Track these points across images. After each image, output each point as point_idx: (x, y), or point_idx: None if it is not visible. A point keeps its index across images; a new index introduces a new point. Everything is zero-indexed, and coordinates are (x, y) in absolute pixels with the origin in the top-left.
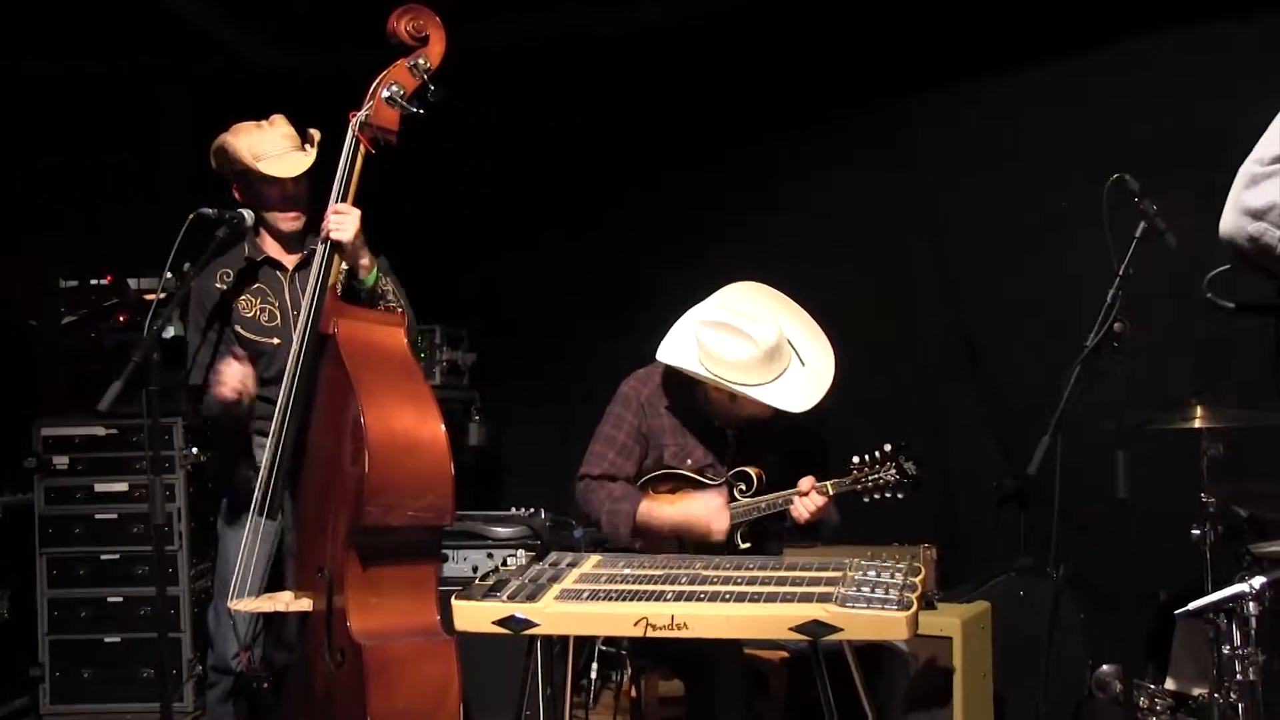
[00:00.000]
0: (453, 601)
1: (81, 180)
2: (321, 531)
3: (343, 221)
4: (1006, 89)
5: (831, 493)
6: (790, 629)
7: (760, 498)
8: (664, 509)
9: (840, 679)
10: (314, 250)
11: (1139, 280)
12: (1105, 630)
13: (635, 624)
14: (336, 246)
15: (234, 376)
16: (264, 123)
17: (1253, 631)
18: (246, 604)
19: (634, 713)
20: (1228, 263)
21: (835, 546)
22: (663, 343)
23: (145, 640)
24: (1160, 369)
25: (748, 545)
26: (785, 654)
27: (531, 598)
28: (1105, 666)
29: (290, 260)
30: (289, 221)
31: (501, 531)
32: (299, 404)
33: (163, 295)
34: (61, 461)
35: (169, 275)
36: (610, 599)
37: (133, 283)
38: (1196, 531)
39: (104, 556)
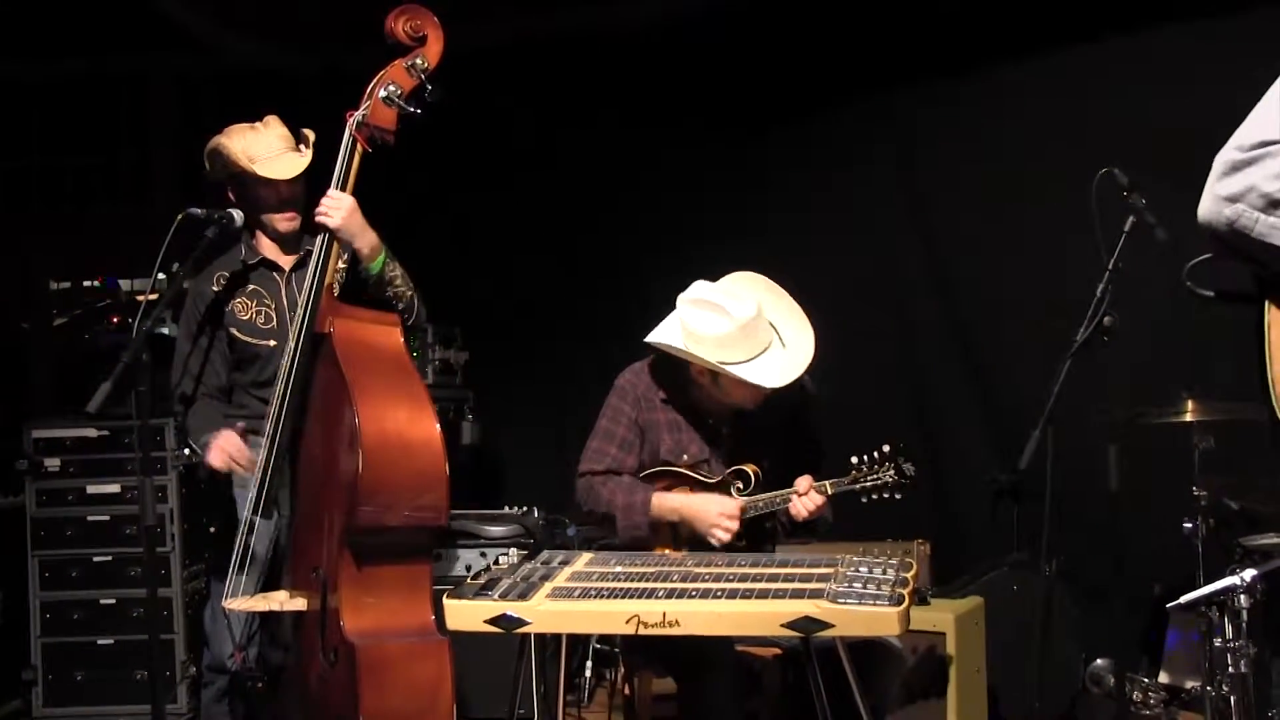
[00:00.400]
0: (444, 600)
1: (71, 181)
2: (317, 531)
3: (332, 206)
4: (1000, 84)
5: (830, 492)
6: (782, 625)
7: (757, 496)
8: (673, 498)
9: (834, 675)
10: (310, 251)
11: (1129, 274)
12: (1099, 624)
13: (627, 622)
14: (331, 238)
15: (231, 448)
16: (258, 124)
17: (1244, 624)
18: (241, 603)
19: (628, 711)
20: (1208, 251)
21: (829, 543)
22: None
23: (138, 642)
24: (1151, 363)
25: (742, 543)
26: (778, 651)
27: (523, 596)
28: (1099, 660)
29: (287, 262)
30: (286, 223)
31: (495, 530)
32: (294, 404)
33: (154, 296)
34: (53, 463)
35: (161, 276)
36: (602, 597)
37: (124, 284)
38: (1188, 525)
39: (96, 558)
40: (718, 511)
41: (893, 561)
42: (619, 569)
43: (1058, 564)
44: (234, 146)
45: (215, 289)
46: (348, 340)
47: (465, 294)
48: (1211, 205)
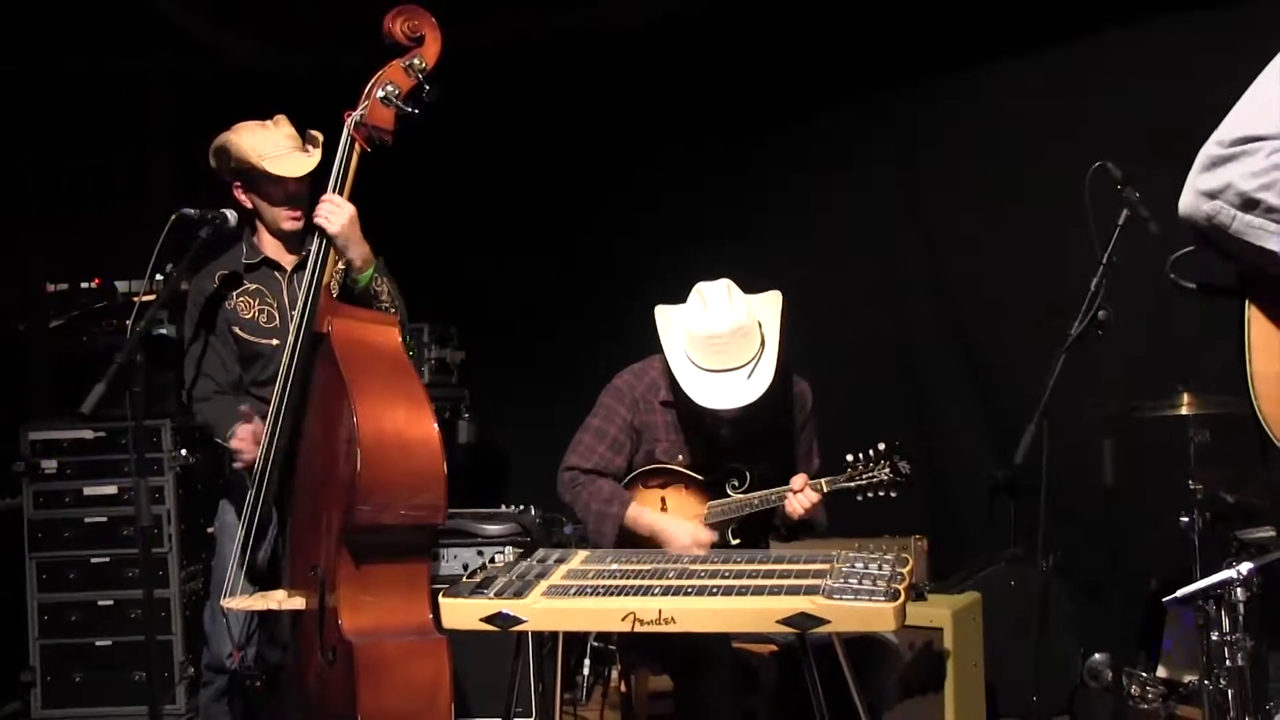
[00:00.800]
0: (440, 599)
1: (68, 182)
2: (315, 530)
3: (332, 211)
4: (1000, 83)
5: (825, 490)
6: (777, 621)
7: (753, 494)
8: (649, 515)
9: (831, 672)
10: (311, 251)
11: (1124, 268)
12: (1096, 619)
13: (623, 619)
14: (330, 241)
15: (249, 440)
16: (268, 122)
17: (1241, 617)
18: (239, 602)
19: (625, 709)
20: (1191, 244)
21: (826, 539)
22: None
23: (137, 643)
24: (1146, 356)
25: (738, 541)
26: (775, 647)
27: (519, 594)
28: (1097, 655)
29: (289, 261)
30: (290, 221)
31: (492, 529)
32: (293, 403)
33: (149, 298)
34: (50, 465)
35: (159, 278)
36: (597, 594)
37: (122, 286)
38: (1185, 519)
39: (94, 560)
40: (691, 540)
41: (888, 557)
42: (615, 566)
43: (1054, 559)
44: (243, 143)
45: (217, 287)
46: (346, 340)
47: (462, 293)
48: (1191, 200)
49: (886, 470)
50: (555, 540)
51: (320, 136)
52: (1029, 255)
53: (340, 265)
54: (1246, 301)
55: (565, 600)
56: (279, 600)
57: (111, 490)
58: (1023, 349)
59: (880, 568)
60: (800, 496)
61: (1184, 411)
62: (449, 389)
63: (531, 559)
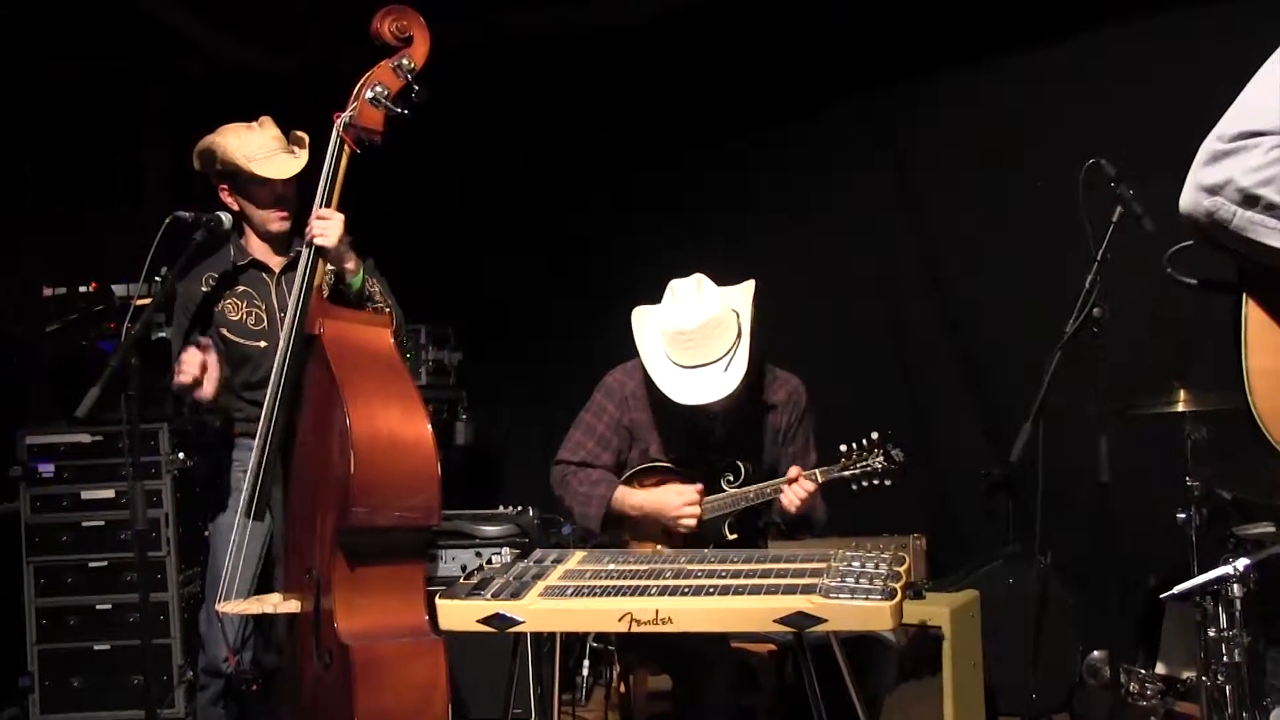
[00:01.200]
0: (437, 601)
1: (63, 185)
2: (309, 533)
3: (326, 227)
4: (1000, 81)
5: (820, 480)
6: (774, 621)
7: (748, 488)
8: (636, 495)
9: (829, 671)
10: (300, 253)
11: (1119, 265)
12: (1094, 616)
13: (620, 619)
14: (320, 251)
15: (192, 363)
16: (253, 124)
17: (1238, 614)
18: (235, 606)
19: (624, 709)
20: (1189, 239)
21: (824, 538)
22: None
23: (135, 647)
24: (1142, 353)
25: (735, 537)
26: (774, 647)
27: (516, 595)
28: (1095, 652)
29: (277, 263)
30: (278, 222)
31: (490, 530)
32: (285, 405)
33: (145, 300)
34: (47, 469)
35: (157, 279)
36: (594, 595)
37: (118, 289)
38: (1182, 515)
39: (92, 564)
40: (678, 501)
41: (885, 556)
42: (612, 566)
43: (1052, 556)
44: (229, 145)
45: (205, 290)
46: (338, 341)
47: (460, 295)
48: (1192, 196)
49: (880, 458)
50: (553, 541)
51: (306, 137)
52: (1028, 255)
53: (331, 267)
54: (1244, 297)
55: (562, 601)
56: (274, 603)
57: (109, 494)
58: (1019, 347)
59: (877, 567)
60: (795, 487)
61: (1180, 408)
62: (446, 390)
63: (529, 560)
